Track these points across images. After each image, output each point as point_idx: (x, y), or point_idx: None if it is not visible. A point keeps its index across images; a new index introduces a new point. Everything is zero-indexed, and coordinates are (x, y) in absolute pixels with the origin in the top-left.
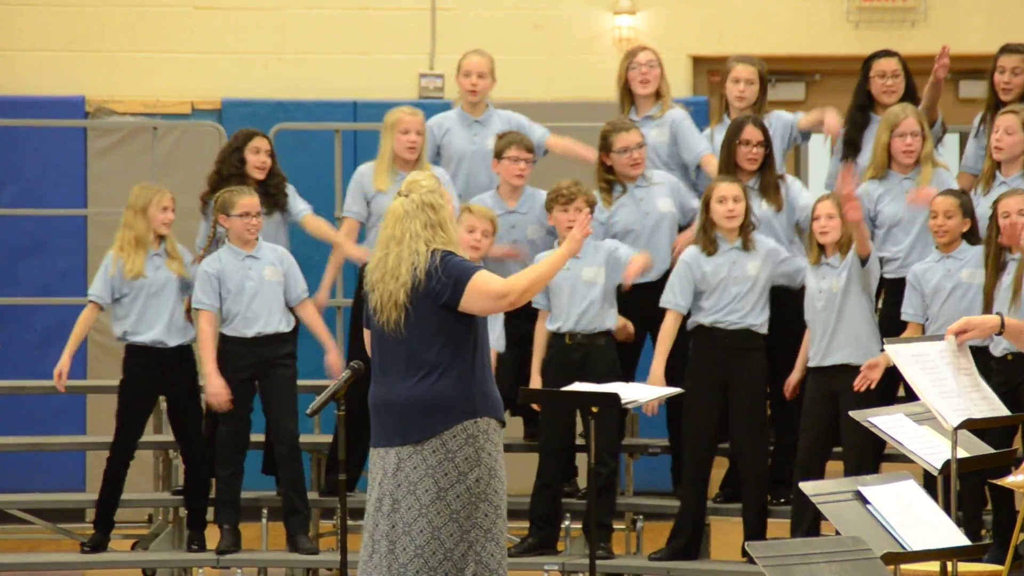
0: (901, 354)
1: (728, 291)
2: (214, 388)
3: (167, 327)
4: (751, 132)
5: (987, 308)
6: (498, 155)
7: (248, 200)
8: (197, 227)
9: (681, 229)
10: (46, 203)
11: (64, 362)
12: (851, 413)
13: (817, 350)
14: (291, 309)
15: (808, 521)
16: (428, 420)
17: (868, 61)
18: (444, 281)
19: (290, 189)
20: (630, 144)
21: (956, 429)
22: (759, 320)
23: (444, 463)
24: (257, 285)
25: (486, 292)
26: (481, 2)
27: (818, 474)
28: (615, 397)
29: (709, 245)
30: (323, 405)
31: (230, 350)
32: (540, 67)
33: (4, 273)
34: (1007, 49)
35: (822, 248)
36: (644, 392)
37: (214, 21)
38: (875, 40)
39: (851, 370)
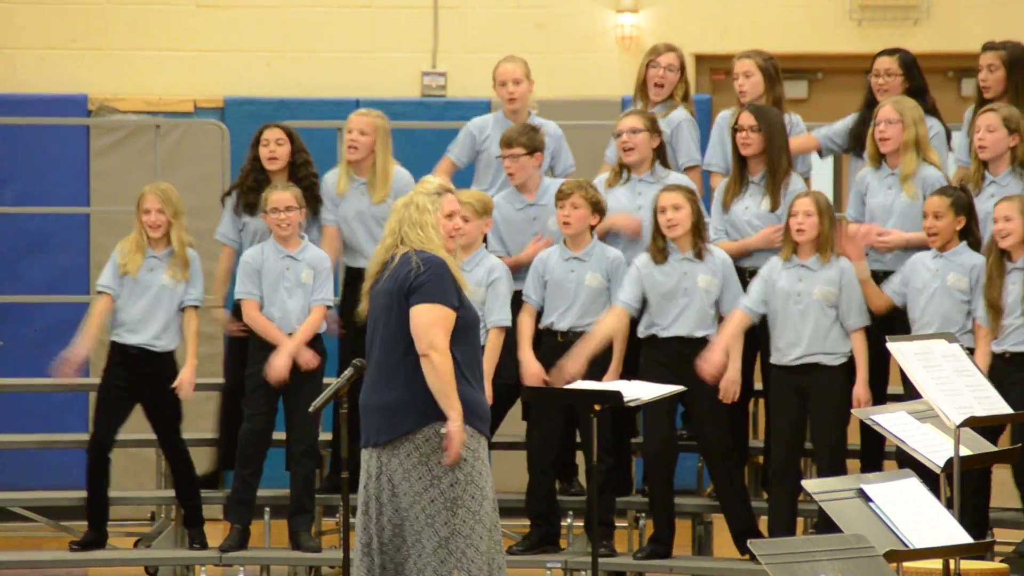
0: (903, 352)
1: (676, 302)
2: (279, 364)
3: (149, 331)
4: (744, 118)
5: (992, 315)
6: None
7: (276, 195)
8: (205, 224)
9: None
10: (48, 201)
11: (74, 351)
12: (853, 411)
13: (785, 349)
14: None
15: (785, 524)
16: (398, 419)
17: (873, 59)
18: (420, 279)
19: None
20: (621, 128)
21: (959, 427)
22: (710, 331)
23: (418, 466)
24: (292, 286)
25: (433, 327)
26: (483, 0)
27: (795, 474)
28: (618, 395)
29: (658, 255)
30: (326, 403)
31: (263, 347)
32: (542, 65)
33: (6, 271)
34: (985, 47)
35: (795, 246)
36: (646, 390)
37: (217, 19)
38: (878, 38)
39: (821, 368)
